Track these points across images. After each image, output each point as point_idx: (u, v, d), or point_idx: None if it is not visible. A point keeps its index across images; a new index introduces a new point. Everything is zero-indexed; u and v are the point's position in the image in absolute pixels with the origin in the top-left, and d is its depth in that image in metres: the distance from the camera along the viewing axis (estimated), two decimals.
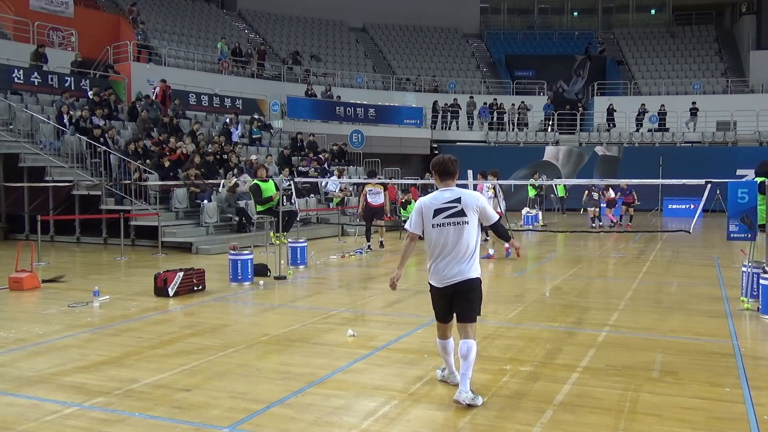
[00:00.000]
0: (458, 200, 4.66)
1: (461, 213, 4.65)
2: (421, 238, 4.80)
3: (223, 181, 15.87)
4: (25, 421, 4.34)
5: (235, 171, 16.59)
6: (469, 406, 4.51)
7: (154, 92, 21.73)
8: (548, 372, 5.38)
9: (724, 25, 39.91)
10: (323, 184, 19.77)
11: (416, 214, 4.77)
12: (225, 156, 17.94)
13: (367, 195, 14.08)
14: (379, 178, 17.63)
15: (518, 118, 31.45)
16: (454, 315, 4.79)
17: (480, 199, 4.78)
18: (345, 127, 27.57)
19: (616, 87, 33.85)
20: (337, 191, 19.57)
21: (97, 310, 7.95)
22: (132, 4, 26.38)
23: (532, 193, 21.20)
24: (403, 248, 4.95)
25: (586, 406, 4.58)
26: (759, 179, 8.07)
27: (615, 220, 20.30)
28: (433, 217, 4.68)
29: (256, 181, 12.21)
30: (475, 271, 4.71)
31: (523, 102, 32.10)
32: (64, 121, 16.71)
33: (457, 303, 4.73)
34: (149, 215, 14.58)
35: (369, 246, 14.10)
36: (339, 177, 20.14)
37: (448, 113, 30.86)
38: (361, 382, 5.15)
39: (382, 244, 14.73)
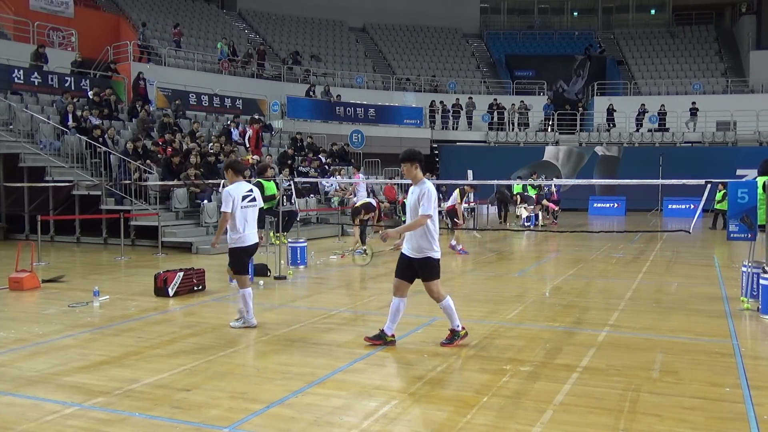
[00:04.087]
0: (251, 191, 7.09)
1: (254, 199, 7.10)
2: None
3: (223, 181, 15.83)
4: (25, 421, 4.34)
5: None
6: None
7: (246, 136, 20.52)
8: (548, 372, 5.38)
9: (724, 25, 39.92)
10: (323, 184, 19.75)
11: (230, 199, 6.80)
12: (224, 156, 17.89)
13: None
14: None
15: (518, 118, 31.45)
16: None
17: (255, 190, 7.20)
18: (345, 127, 27.57)
19: (616, 87, 33.85)
20: (337, 191, 19.54)
21: (97, 310, 7.95)
22: (175, 25, 27.20)
23: (532, 192, 21.19)
24: (220, 225, 6.99)
25: (586, 406, 4.58)
26: (761, 179, 8.06)
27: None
28: (241, 202, 6.89)
29: (259, 179, 12.19)
30: None
31: (523, 102, 32.09)
32: (69, 121, 16.68)
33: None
34: (149, 215, 14.57)
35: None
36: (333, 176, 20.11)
37: (449, 113, 30.85)
38: (361, 382, 5.15)
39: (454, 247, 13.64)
